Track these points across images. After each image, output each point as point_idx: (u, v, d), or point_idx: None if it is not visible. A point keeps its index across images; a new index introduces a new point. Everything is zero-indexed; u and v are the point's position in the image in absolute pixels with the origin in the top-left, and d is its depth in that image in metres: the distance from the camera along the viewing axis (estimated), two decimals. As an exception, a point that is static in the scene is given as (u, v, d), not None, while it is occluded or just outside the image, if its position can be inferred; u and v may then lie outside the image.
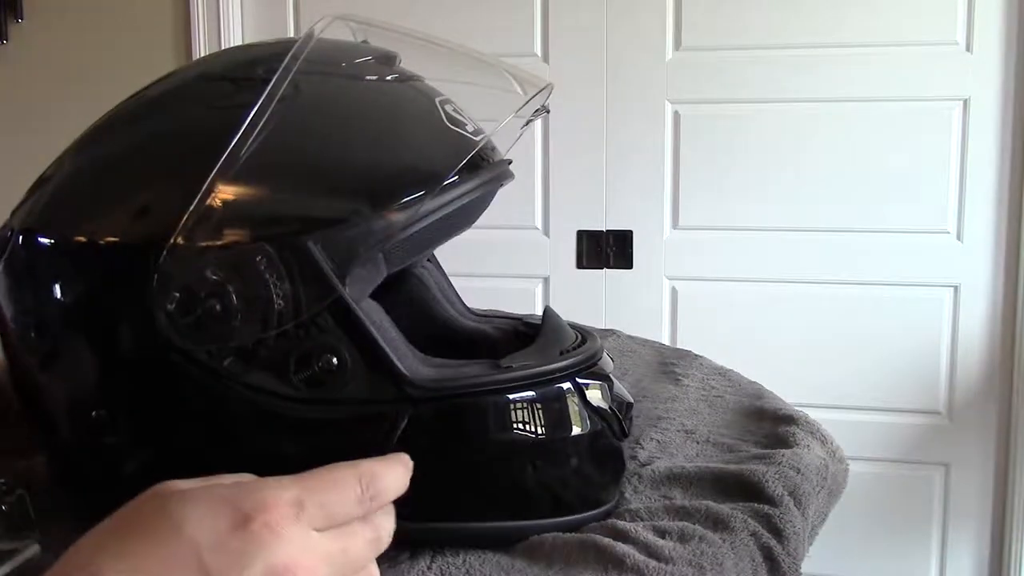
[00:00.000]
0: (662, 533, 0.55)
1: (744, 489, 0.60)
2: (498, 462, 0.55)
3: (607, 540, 0.54)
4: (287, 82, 0.52)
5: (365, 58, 0.60)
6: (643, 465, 0.65)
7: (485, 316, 0.71)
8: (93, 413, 0.53)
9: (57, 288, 0.54)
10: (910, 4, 1.83)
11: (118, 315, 0.51)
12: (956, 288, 1.89)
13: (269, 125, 0.51)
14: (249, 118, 0.51)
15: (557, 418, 0.56)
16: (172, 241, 0.49)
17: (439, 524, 0.53)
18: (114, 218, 0.53)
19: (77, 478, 0.57)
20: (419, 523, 0.50)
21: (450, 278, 0.71)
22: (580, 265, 2.02)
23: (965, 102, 1.84)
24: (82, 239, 0.53)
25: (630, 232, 1.99)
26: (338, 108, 0.57)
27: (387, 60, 0.62)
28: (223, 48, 2.02)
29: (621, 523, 0.56)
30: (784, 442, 0.69)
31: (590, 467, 0.58)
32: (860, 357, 1.92)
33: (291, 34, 2.06)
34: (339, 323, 0.50)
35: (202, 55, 2.00)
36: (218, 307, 0.49)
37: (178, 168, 0.53)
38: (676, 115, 1.95)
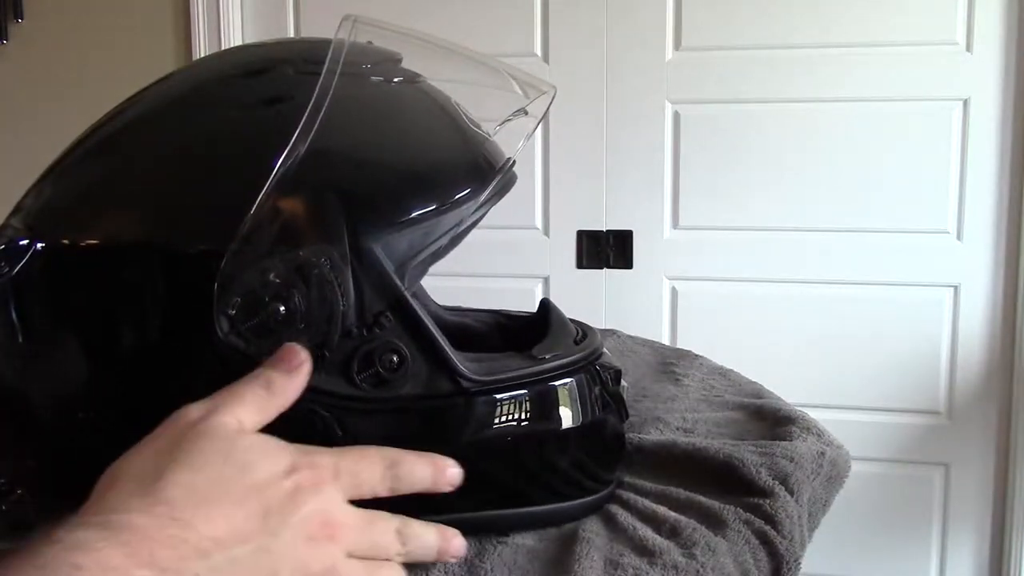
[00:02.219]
0: (657, 528, 0.56)
1: (736, 481, 0.61)
2: (543, 448, 0.57)
3: (603, 537, 0.54)
4: (334, 83, 0.52)
5: (380, 59, 0.61)
6: (639, 460, 0.65)
7: (460, 311, 0.72)
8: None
9: (102, 297, 0.52)
10: (910, 4, 1.83)
11: (176, 322, 0.50)
12: (956, 288, 1.89)
13: (323, 125, 0.51)
14: (304, 118, 0.51)
15: (588, 403, 0.59)
16: (234, 245, 0.49)
17: (485, 512, 0.55)
18: (168, 223, 0.52)
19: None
20: (468, 512, 0.53)
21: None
22: (580, 265, 2.02)
23: (965, 102, 1.84)
24: (131, 246, 0.52)
25: (630, 232, 1.99)
26: (378, 109, 0.58)
27: (395, 61, 0.62)
28: (224, 48, 2.01)
29: (617, 522, 0.57)
30: (781, 438, 0.69)
31: (611, 446, 0.62)
32: (860, 357, 1.93)
33: (291, 35, 2.06)
34: (400, 322, 0.51)
35: (202, 55, 2.00)
36: (282, 310, 0.49)
37: (233, 171, 0.52)
38: (676, 115, 1.95)
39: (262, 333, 0.49)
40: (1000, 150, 1.83)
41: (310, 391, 0.48)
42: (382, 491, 0.45)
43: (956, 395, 1.92)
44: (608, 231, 2.00)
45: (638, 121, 1.96)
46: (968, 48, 1.82)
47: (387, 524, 0.45)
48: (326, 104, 0.51)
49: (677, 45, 1.94)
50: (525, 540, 0.55)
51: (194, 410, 0.43)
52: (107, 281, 0.51)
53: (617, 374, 0.62)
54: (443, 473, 0.47)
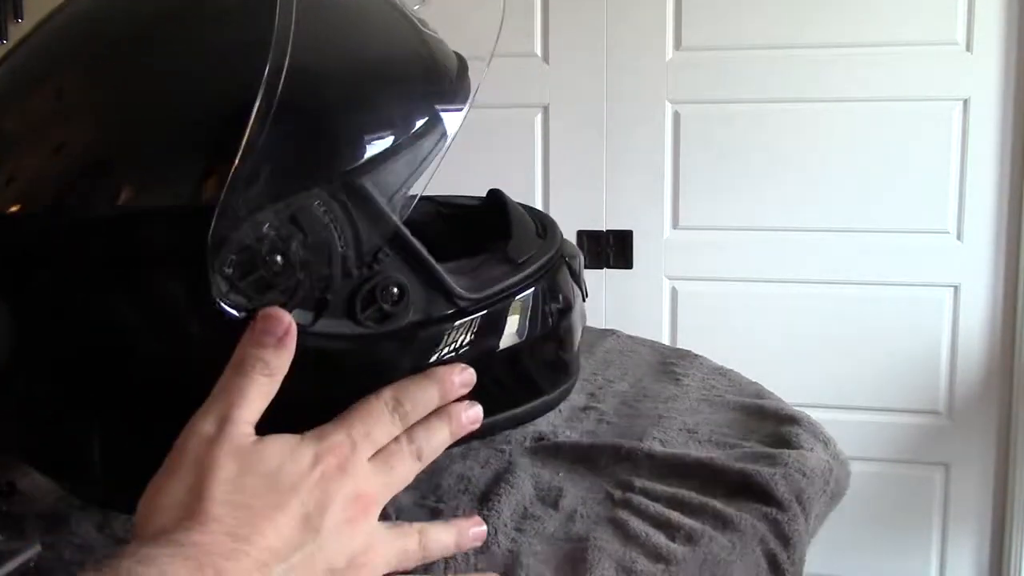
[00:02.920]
0: (671, 535, 0.55)
1: (752, 490, 0.60)
2: (535, 349, 0.58)
3: (616, 543, 0.54)
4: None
5: None
6: (649, 463, 0.65)
7: None
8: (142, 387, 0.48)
9: (79, 271, 0.47)
10: (910, 4, 1.83)
11: (168, 288, 0.46)
12: (956, 288, 1.89)
13: (289, 56, 0.46)
14: (272, 53, 0.46)
15: (566, 295, 0.60)
16: (221, 201, 0.44)
17: (487, 420, 0.55)
18: (144, 184, 0.47)
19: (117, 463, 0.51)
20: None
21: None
22: (580, 265, 2.02)
23: (965, 102, 1.84)
24: (107, 213, 0.46)
25: (630, 232, 1.99)
26: (337, 25, 0.53)
27: None
28: None
29: (629, 525, 0.56)
30: (787, 442, 0.69)
31: (582, 330, 0.64)
32: (860, 357, 1.93)
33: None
34: (397, 254, 0.49)
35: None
36: (280, 261, 0.46)
37: (207, 119, 0.47)
38: (676, 115, 1.95)
39: (263, 288, 0.46)
40: (1000, 150, 1.83)
41: (316, 337, 0.47)
42: (397, 432, 0.48)
43: (956, 395, 1.92)
44: (608, 231, 2.00)
45: (638, 121, 1.96)
46: (968, 48, 1.82)
47: (404, 455, 0.48)
48: (291, 30, 0.47)
49: (677, 45, 1.94)
50: (535, 546, 0.55)
51: (205, 424, 0.44)
52: (84, 256, 0.47)
53: (576, 258, 0.63)
54: (452, 384, 0.50)
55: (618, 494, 0.60)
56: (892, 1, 1.83)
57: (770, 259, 1.94)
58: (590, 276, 2.04)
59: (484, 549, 0.54)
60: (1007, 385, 1.89)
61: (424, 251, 0.51)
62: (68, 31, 0.53)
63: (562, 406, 0.76)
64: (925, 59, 1.84)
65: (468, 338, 0.53)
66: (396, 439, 0.48)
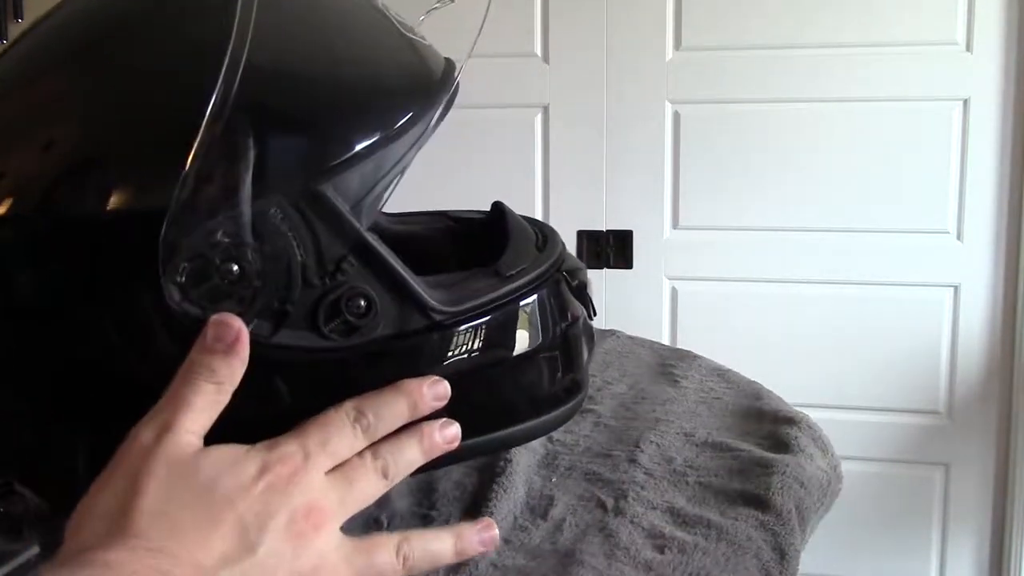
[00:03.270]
0: (660, 546, 0.55)
1: (749, 499, 0.60)
2: (520, 366, 0.55)
3: (600, 557, 0.53)
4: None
5: None
6: (645, 469, 0.65)
7: (406, 218, 0.68)
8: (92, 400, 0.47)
9: (34, 278, 0.46)
10: (910, 4, 1.82)
11: (119, 297, 0.45)
12: (956, 288, 1.89)
13: (247, 55, 0.44)
14: (229, 51, 0.44)
15: (560, 311, 0.57)
16: (173, 207, 0.43)
17: (469, 441, 0.51)
18: (93, 189, 0.45)
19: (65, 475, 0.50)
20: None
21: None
22: (580, 265, 2.02)
23: (965, 102, 1.84)
24: (54, 219, 0.45)
25: (630, 232, 1.99)
26: (302, 23, 0.51)
27: None
28: None
29: (619, 535, 0.56)
30: (786, 446, 0.68)
31: (586, 347, 0.60)
32: (860, 357, 1.92)
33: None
34: (363, 264, 0.47)
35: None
36: (235, 269, 0.44)
37: (157, 120, 0.46)
38: (676, 115, 1.95)
39: (217, 297, 0.44)
40: (1000, 150, 1.83)
41: (275, 349, 0.45)
42: (360, 446, 0.45)
43: (956, 395, 1.92)
44: (608, 231, 2.00)
45: (638, 121, 1.96)
46: (968, 48, 1.82)
47: (367, 470, 0.45)
48: (249, 28, 0.45)
49: (677, 45, 1.94)
50: (518, 560, 0.54)
51: (145, 432, 0.42)
52: (26, 257, 0.46)
53: (580, 272, 0.59)
54: (421, 396, 0.46)
55: (611, 502, 0.60)
56: (892, 1, 1.83)
57: (770, 259, 1.94)
58: (590, 276, 2.03)
59: (467, 562, 0.53)
60: (1007, 385, 1.89)
61: (393, 261, 0.48)
62: (41, 37, 0.52)
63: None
64: (925, 59, 1.83)
65: (450, 352, 0.50)
66: (360, 453, 0.45)
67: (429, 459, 0.48)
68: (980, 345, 1.89)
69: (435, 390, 0.47)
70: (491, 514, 0.58)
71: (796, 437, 0.70)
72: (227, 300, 0.45)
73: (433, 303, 0.49)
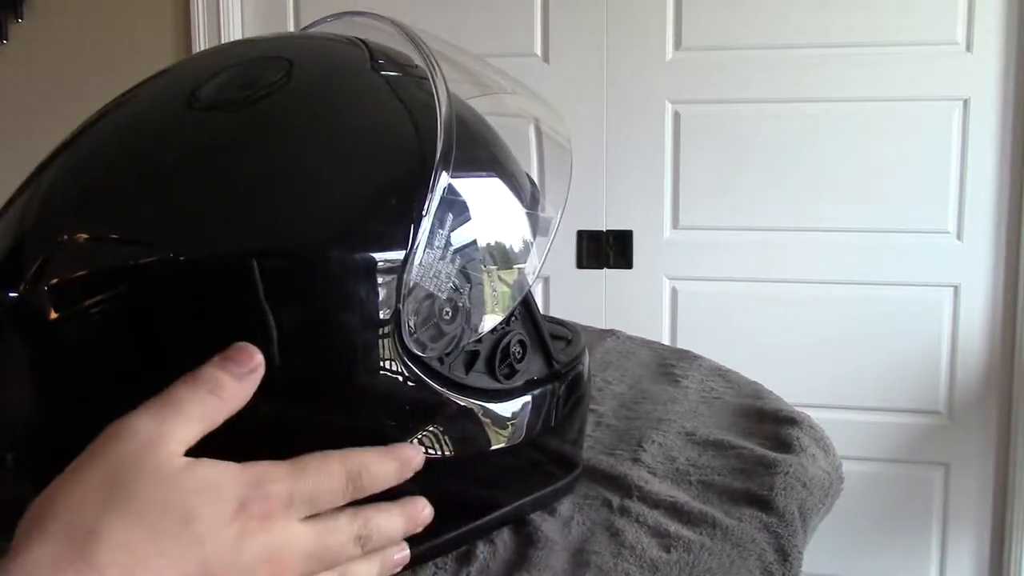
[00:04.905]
0: (666, 545, 0.55)
1: (752, 499, 0.60)
2: (581, 422, 0.61)
3: (608, 556, 0.53)
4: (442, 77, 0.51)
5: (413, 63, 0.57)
6: (648, 468, 0.65)
7: None
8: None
9: (275, 315, 0.44)
10: (910, 4, 1.83)
11: (356, 334, 0.45)
12: (956, 288, 1.89)
13: (453, 118, 0.49)
14: (443, 114, 0.49)
15: (589, 382, 0.62)
16: (416, 250, 0.45)
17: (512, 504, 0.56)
18: (346, 233, 0.46)
19: None
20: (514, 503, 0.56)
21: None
22: (580, 265, 2.02)
23: (965, 102, 1.84)
24: (311, 260, 0.45)
25: (630, 232, 1.99)
26: (469, 111, 0.57)
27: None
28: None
29: (625, 534, 0.56)
30: (788, 446, 0.68)
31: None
32: (860, 357, 1.93)
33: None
34: (524, 312, 0.52)
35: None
36: (448, 312, 0.47)
37: (394, 173, 0.48)
38: (676, 115, 1.95)
39: (436, 337, 0.47)
40: (1000, 150, 1.83)
41: (463, 390, 0.48)
42: (342, 502, 0.43)
43: (956, 395, 1.92)
44: (608, 231, 2.00)
45: (638, 121, 1.96)
46: (968, 48, 1.82)
47: (343, 534, 0.43)
48: (448, 99, 0.50)
49: (677, 45, 1.94)
50: (528, 553, 0.54)
51: (134, 433, 0.39)
52: (275, 294, 0.44)
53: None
54: (409, 464, 0.46)
55: (616, 501, 0.60)
56: (892, 1, 1.83)
57: (770, 259, 1.94)
58: (590, 276, 2.05)
59: (479, 566, 0.53)
60: (1007, 385, 1.89)
61: (538, 312, 0.54)
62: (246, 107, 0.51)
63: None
64: (925, 59, 1.84)
65: (564, 402, 0.55)
66: (342, 512, 0.43)
67: (408, 532, 0.47)
68: (980, 345, 1.89)
69: (419, 459, 0.46)
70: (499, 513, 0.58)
71: (798, 437, 0.69)
72: (442, 339, 0.47)
73: (557, 354, 0.54)
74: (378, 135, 0.50)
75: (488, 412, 0.51)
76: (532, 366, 0.53)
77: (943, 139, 1.85)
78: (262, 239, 0.44)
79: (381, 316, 0.45)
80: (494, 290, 0.49)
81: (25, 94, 2.16)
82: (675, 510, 0.59)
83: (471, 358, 0.50)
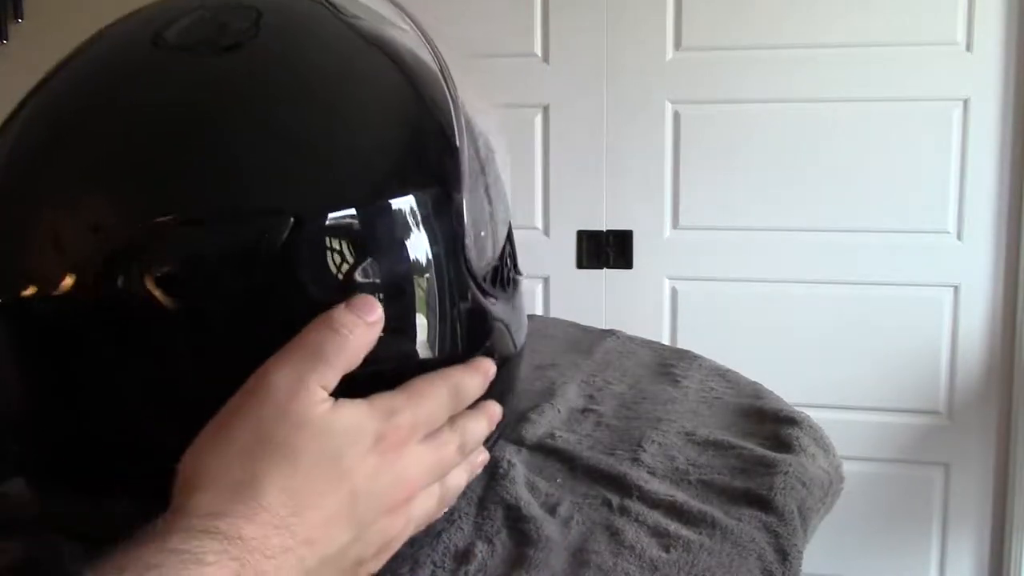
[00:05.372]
0: (666, 544, 0.55)
1: (752, 499, 0.60)
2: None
3: (607, 554, 0.53)
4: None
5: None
6: (648, 468, 0.65)
7: None
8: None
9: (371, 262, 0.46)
10: (910, 4, 1.83)
11: (443, 265, 0.49)
12: (956, 288, 1.89)
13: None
14: (440, 58, 0.53)
15: None
16: (464, 180, 0.50)
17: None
18: (407, 173, 0.49)
19: None
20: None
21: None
22: (580, 265, 2.02)
23: (965, 102, 1.84)
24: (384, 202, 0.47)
25: (630, 232, 1.99)
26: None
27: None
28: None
29: (624, 533, 0.56)
30: (788, 446, 0.68)
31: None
32: (860, 357, 1.93)
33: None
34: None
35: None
36: (483, 233, 0.53)
37: (425, 115, 0.52)
38: (676, 115, 1.95)
39: (479, 257, 0.52)
40: (1000, 150, 1.83)
41: (495, 302, 0.53)
42: (448, 416, 0.48)
43: (956, 395, 1.92)
44: (608, 231, 2.00)
45: (638, 121, 1.96)
46: (968, 48, 1.82)
47: (450, 445, 0.48)
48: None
49: (677, 45, 1.94)
50: (527, 553, 0.54)
51: (279, 382, 0.41)
52: (373, 243, 0.47)
53: None
54: (489, 375, 0.51)
55: (616, 500, 0.60)
56: (892, 1, 1.83)
57: (770, 259, 1.94)
58: (590, 276, 2.05)
59: (477, 564, 0.53)
60: (1007, 385, 1.89)
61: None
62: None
63: (561, 408, 0.76)
64: (925, 59, 1.84)
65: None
66: (446, 428, 0.48)
67: (492, 429, 0.52)
68: (980, 345, 1.89)
69: (493, 370, 0.51)
70: (497, 512, 0.58)
71: (798, 437, 0.69)
72: (482, 259, 0.53)
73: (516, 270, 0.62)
74: (388, 82, 0.53)
75: (507, 321, 0.56)
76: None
77: (943, 139, 1.85)
78: (353, 195, 0.47)
79: (452, 244, 0.50)
80: (500, 210, 0.55)
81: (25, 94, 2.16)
82: (675, 510, 0.59)
83: (494, 273, 0.55)
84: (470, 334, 0.52)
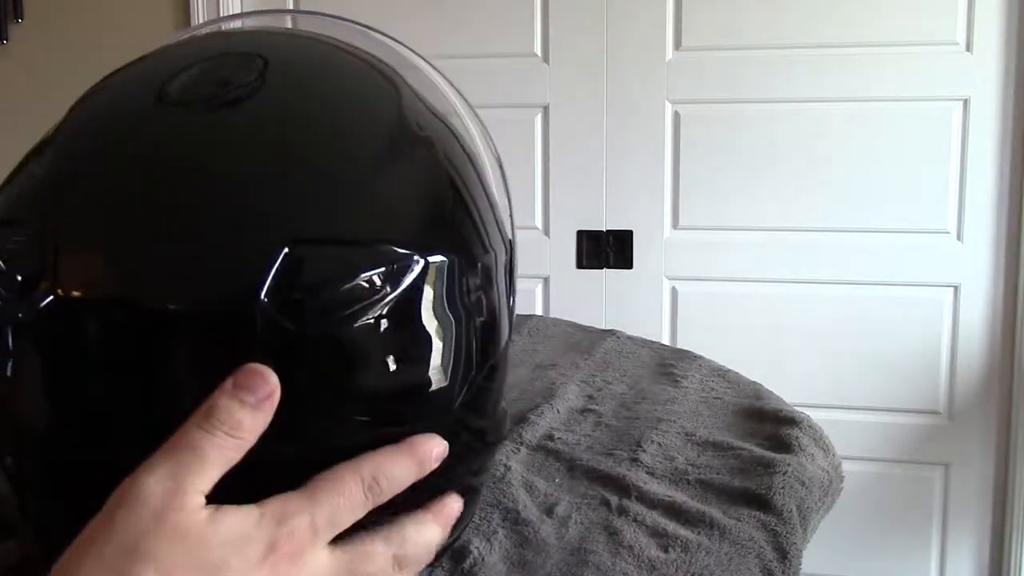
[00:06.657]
0: (664, 545, 0.55)
1: (751, 499, 0.60)
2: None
3: (606, 555, 0.53)
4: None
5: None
6: (647, 468, 0.65)
7: None
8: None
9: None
10: (910, 4, 1.83)
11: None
12: (956, 288, 1.89)
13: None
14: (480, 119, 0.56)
15: None
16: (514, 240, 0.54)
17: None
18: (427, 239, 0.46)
19: None
20: None
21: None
22: (580, 265, 2.02)
23: (965, 102, 1.84)
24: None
25: (630, 232, 1.99)
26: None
27: None
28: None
29: (623, 534, 0.56)
30: (787, 446, 0.68)
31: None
32: (860, 357, 1.93)
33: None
34: None
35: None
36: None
37: (448, 180, 0.52)
38: (676, 115, 1.95)
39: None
40: (1000, 150, 1.83)
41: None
42: (363, 512, 0.41)
43: (956, 395, 1.92)
44: (608, 231, 2.00)
45: (638, 121, 1.96)
46: (968, 48, 1.82)
47: (380, 558, 0.42)
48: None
49: (677, 45, 1.94)
50: (526, 554, 0.54)
51: (152, 488, 0.36)
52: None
53: None
54: (429, 458, 0.43)
55: (615, 500, 0.60)
56: (892, 1, 1.83)
57: (770, 259, 1.94)
58: (590, 276, 2.05)
59: (472, 560, 0.53)
60: (1007, 385, 1.89)
61: None
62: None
63: (560, 408, 0.76)
64: (925, 59, 1.84)
65: None
66: (376, 536, 0.42)
67: (444, 537, 0.45)
68: (980, 345, 1.89)
69: (439, 450, 0.43)
70: (495, 513, 0.58)
71: (797, 437, 0.69)
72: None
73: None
74: (399, 145, 0.50)
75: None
76: None
77: (943, 139, 1.85)
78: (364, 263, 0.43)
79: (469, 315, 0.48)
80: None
81: (25, 94, 2.16)
82: (673, 510, 0.59)
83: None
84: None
